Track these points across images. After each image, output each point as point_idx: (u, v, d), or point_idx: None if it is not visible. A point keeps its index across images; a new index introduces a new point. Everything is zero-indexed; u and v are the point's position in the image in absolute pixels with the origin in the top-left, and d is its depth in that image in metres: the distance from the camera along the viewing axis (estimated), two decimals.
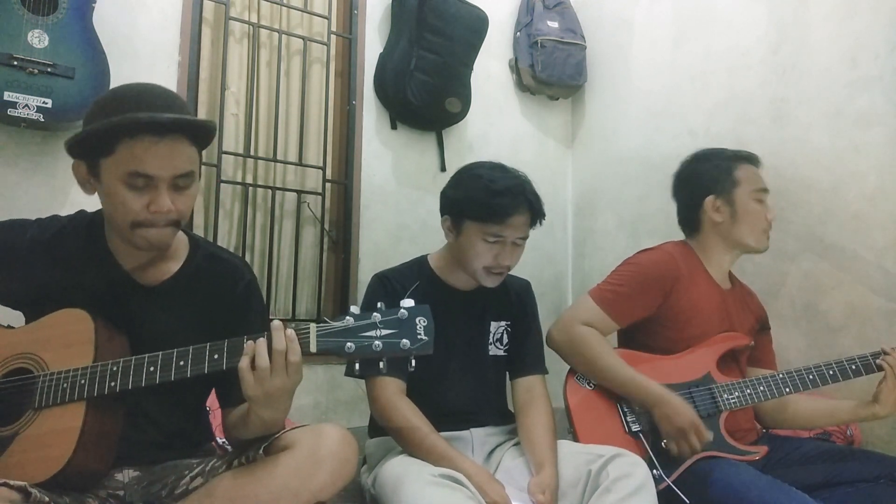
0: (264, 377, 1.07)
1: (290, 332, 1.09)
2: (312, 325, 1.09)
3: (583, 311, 1.72)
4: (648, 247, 1.85)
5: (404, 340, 1.07)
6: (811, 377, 1.65)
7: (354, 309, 1.10)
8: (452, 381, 1.65)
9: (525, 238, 1.62)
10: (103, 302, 1.23)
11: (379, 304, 1.11)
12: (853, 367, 1.65)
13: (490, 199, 1.55)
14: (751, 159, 1.84)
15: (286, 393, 1.11)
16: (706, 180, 1.81)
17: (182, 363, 1.11)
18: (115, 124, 1.12)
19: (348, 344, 1.07)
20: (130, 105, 1.15)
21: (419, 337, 1.07)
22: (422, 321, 1.09)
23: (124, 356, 1.15)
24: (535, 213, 1.61)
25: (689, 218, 1.86)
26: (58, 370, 1.14)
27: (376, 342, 1.07)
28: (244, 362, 1.07)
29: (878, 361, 1.62)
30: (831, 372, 1.65)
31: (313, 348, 1.08)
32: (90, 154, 1.17)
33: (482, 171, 1.62)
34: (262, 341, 1.08)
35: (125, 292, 1.26)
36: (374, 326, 1.08)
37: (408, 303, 1.10)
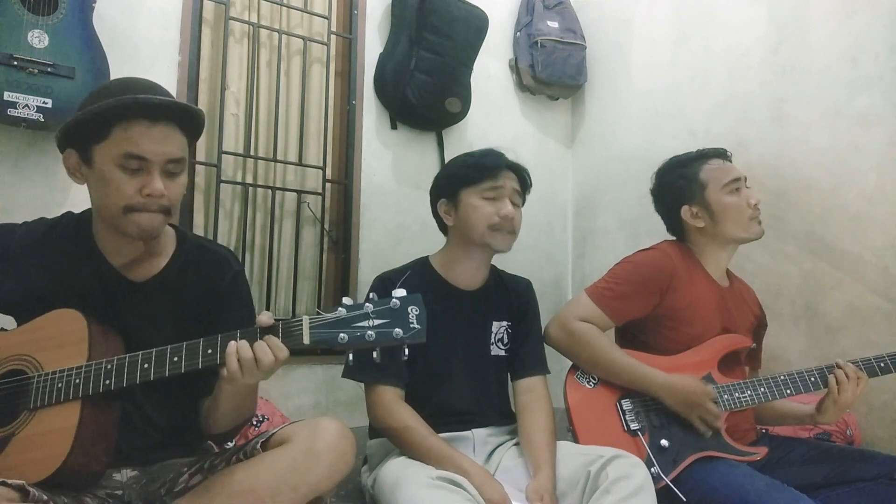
0: (251, 368, 1.09)
1: (275, 340, 1.11)
2: (305, 317, 1.10)
3: (580, 307, 1.74)
4: (647, 246, 1.86)
5: (397, 329, 1.07)
6: (812, 379, 1.64)
7: (347, 300, 1.11)
8: (454, 382, 1.65)
9: (519, 205, 1.70)
10: (94, 300, 1.23)
11: (371, 295, 1.11)
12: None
13: (477, 160, 1.70)
14: (717, 154, 1.85)
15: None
16: (676, 191, 1.85)
17: (176, 359, 1.12)
18: (111, 105, 1.15)
19: (341, 335, 1.07)
20: (124, 92, 1.18)
21: (412, 325, 1.07)
22: (414, 310, 1.09)
23: (119, 354, 1.15)
24: (520, 175, 1.72)
25: (675, 228, 1.89)
26: (52, 370, 1.14)
27: (369, 332, 1.07)
28: (232, 362, 1.09)
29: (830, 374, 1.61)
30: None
31: (306, 340, 1.08)
32: (83, 141, 1.19)
33: (461, 155, 1.79)
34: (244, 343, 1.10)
35: (115, 289, 1.27)
36: (366, 317, 1.08)
37: (399, 292, 1.10)
